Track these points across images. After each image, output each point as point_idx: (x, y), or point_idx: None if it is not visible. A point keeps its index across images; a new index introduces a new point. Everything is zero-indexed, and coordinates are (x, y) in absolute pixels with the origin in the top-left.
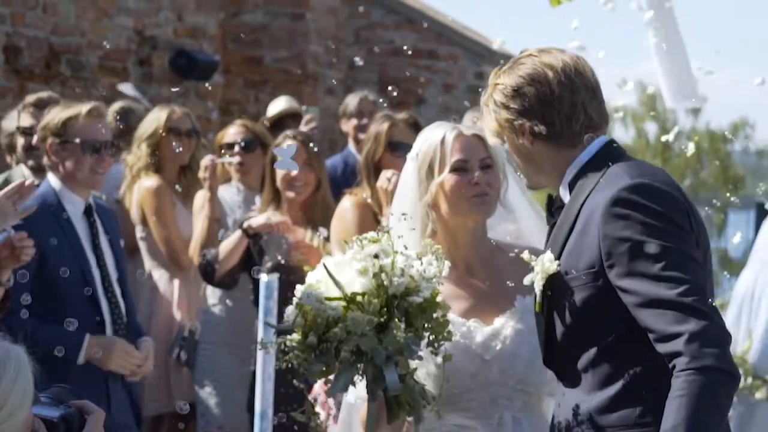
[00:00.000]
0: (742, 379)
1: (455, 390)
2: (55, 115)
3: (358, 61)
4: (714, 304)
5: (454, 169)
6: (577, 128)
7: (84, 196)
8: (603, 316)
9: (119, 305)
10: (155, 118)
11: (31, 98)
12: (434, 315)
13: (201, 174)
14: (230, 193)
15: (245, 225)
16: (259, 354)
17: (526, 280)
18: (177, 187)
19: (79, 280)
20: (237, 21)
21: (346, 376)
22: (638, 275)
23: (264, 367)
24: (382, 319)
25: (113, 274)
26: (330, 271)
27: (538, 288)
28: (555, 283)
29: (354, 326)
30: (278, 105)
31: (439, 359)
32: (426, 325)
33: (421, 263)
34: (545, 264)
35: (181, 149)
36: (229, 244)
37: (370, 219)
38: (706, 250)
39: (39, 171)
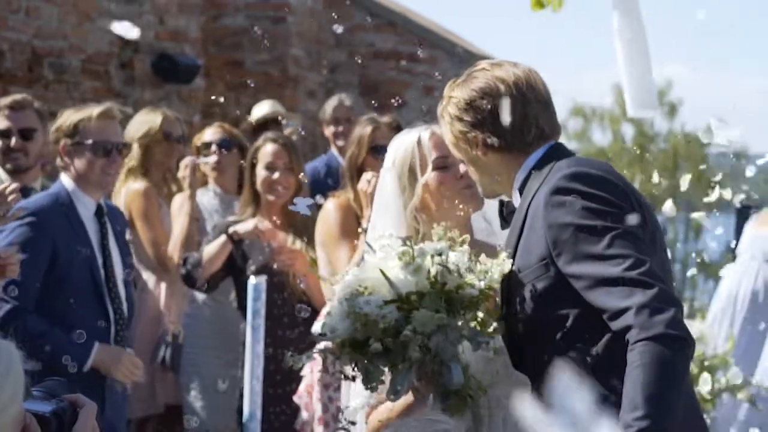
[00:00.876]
0: (724, 379)
1: None
2: (68, 116)
3: (337, 29)
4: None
5: (437, 167)
6: (529, 140)
7: (95, 197)
8: (558, 306)
9: (122, 306)
10: (148, 121)
11: (6, 100)
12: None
13: (181, 173)
14: (207, 197)
15: (231, 231)
16: (247, 355)
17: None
18: (173, 188)
19: (86, 279)
20: (218, 24)
21: (405, 377)
22: (584, 258)
23: (252, 368)
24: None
25: (119, 275)
26: (386, 274)
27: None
28: (512, 283)
29: (422, 325)
30: (262, 109)
31: (491, 353)
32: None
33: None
34: (499, 265)
35: (177, 153)
36: (213, 249)
37: (353, 221)
38: (654, 233)
39: (15, 173)
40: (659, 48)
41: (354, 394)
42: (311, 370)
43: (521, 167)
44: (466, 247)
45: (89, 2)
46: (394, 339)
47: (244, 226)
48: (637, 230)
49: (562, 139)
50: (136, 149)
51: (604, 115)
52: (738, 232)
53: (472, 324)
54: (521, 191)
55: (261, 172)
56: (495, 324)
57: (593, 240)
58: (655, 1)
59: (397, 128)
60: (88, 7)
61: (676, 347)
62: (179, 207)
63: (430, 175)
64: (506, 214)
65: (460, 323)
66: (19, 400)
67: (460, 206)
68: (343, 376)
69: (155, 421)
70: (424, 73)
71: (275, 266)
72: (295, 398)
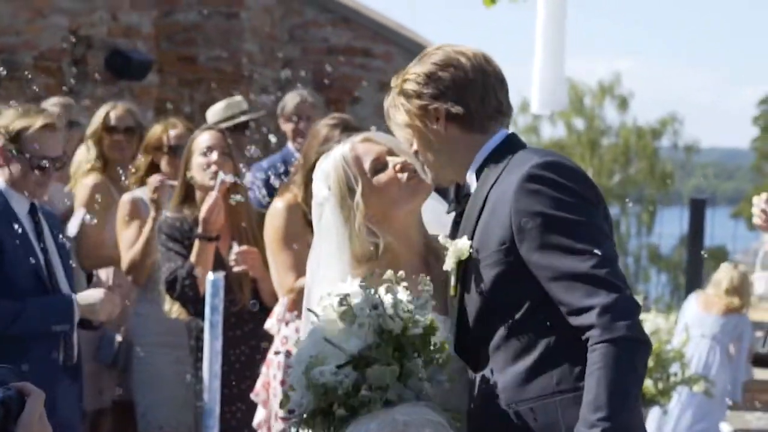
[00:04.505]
0: (680, 372)
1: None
2: (12, 120)
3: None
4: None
5: (375, 171)
6: (489, 111)
7: (29, 197)
8: (514, 291)
9: None
10: (97, 117)
11: None
12: (433, 340)
13: (149, 194)
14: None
15: (197, 234)
16: (206, 352)
17: (445, 267)
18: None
19: (29, 273)
20: (171, 20)
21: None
22: (550, 249)
23: (210, 364)
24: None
25: (59, 272)
26: (333, 342)
27: (452, 272)
28: (468, 265)
29: (378, 381)
30: (239, 106)
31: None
32: (434, 352)
33: (397, 295)
34: (458, 246)
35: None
36: (198, 261)
37: (301, 221)
38: (611, 229)
39: None
40: (610, 42)
41: None
42: (267, 367)
43: (480, 150)
44: (400, 288)
45: None
46: (356, 398)
47: (202, 222)
48: (604, 225)
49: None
50: (91, 146)
51: (565, 107)
52: (692, 224)
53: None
54: (477, 175)
55: (197, 159)
56: (447, 350)
57: (562, 232)
58: None
59: (345, 127)
60: (41, 3)
61: (636, 350)
62: (126, 214)
63: (373, 180)
64: (462, 197)
65: (416, 368)
66: None
67: (415, 194)
68: None
69: (109, 416)
70: (378, 68)
71: (233, 269)
72: (252, 396)
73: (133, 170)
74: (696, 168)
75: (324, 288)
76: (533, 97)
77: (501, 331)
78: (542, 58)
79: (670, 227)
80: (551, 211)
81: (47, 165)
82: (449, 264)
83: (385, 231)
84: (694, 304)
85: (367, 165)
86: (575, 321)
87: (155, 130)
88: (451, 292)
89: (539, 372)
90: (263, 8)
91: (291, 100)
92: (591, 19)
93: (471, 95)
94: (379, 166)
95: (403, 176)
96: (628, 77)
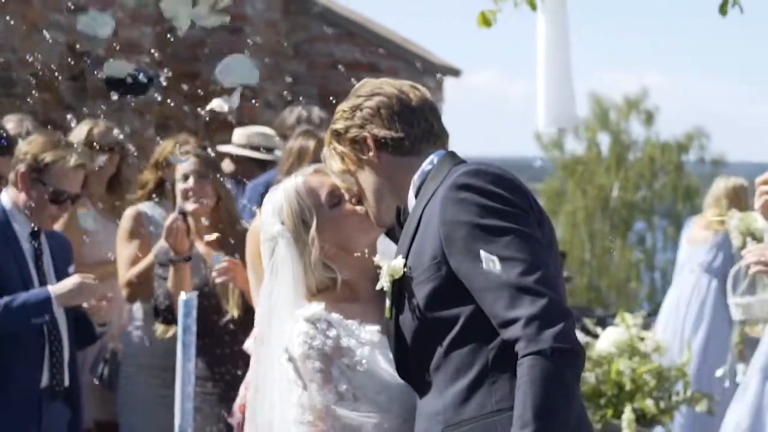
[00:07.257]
0: (682, 391)
1: (401, 418)
2: (42, 150)
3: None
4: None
5: (332, 205)
6: (420, 133)
7: (40, 226)
8: (448, 308)
9: (58, 326)
10: (76, 134)
11: None
12: None
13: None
14: (155, 211)
15: (172, 258)
16: (178, 373)
17: (378, 286)
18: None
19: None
20: (173, 35)
21: None
22: (477, 258)
23: (183, 386)
24: None
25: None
26: None
27: (387, 293)
28: (403, 284)
29: None
30: (259, 140)
31: None
32: None
33: None
34: (391, 266)
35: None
36: (174, 283)
37: None
38: (551, 239)
39: None
40: (637, 56)
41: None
42: (246, 389)
43: (417, 173)
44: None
45: (38, 14)
46: None
47: (165, 234)
48: (536, 233)
49: (536, 148)
50: None
51: (579, 123)
52: None
53: None
54: (416, 196)
55: (178, 186)
56: None
57: (489, 240)
58: (632, 9)
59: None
60: (37, 19)
61: (564, 361)
62: (128, 231)
63: (331, 214)
64: (403, 220)
65: None
66: None
67: (374, 226)
68: None
69: None
70: None
71: (216, 281)
72: (228, 418)
73: (140, 185)
74: None
75: (281, 327)
76: (539, 115)
77: (439, 351)
78: (545, 75)
79: None
80: (477, 219)
81: (66, 199)
82: (382, 284)
83: (341, 265)
84: (685, 239)
85: (323, 197)
86: (504, 334)
87: (166, 147)
88: (386, 314)
89: (477, 391)
90: (267, 23)
91: (316, 116)
92: (618, 32)
93: (399, 119)
94: (335, 199)
95: (362, 209)
96: (655, 91)
